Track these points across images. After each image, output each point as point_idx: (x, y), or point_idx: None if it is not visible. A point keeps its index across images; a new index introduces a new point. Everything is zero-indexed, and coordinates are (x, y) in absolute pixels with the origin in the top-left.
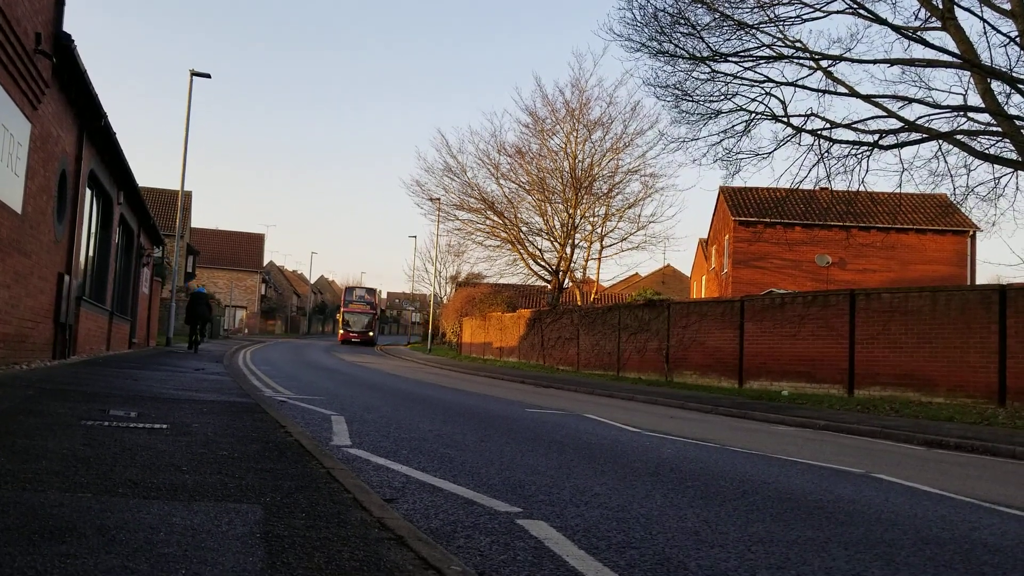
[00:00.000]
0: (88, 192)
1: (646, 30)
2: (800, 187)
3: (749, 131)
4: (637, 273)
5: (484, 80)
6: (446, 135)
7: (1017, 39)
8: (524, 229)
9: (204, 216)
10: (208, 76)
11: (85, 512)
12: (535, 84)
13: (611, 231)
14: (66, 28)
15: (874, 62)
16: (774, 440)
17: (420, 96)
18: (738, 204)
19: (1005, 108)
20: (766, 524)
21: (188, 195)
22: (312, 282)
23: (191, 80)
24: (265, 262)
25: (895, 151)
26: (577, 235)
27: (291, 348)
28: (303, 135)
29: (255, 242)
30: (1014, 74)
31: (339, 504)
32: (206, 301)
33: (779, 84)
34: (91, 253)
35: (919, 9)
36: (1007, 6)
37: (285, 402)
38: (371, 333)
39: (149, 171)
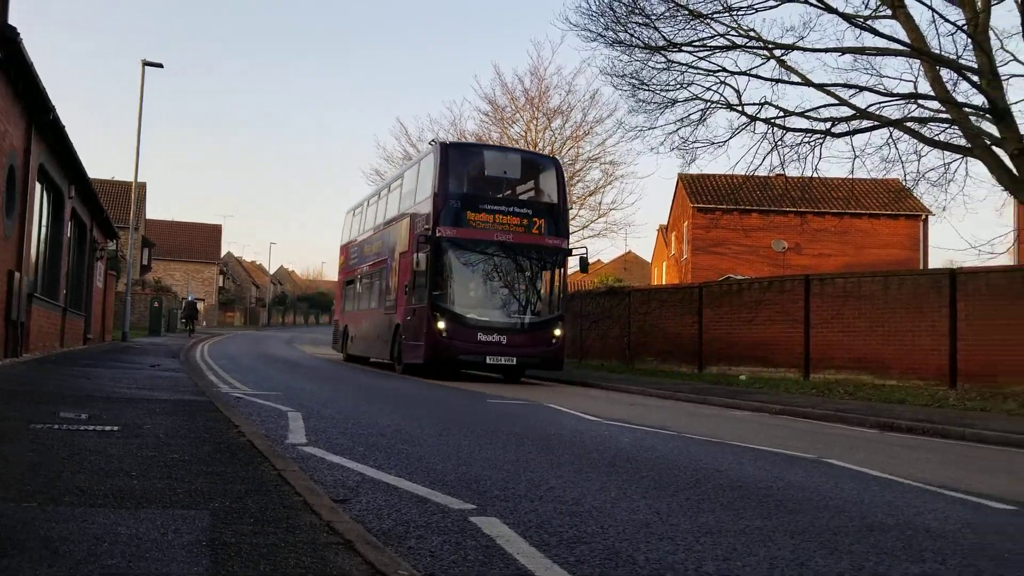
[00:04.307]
0: (38, 187)
1: (601, 20)
2: (755, 174)
3: (705, 120)
4: (599, 260)
5: (443, 69)
6: (405, 124)
7: (964, 27)
8: None
9: (159, 207)
10: (160, 66)
11: (30, 523)
12: (494, 72)
13: (573, 219)
14: (12, 21)
15: (826, 51)
16: (730, 426)
17: (378, 85)
18: (696, 191)
19: (953, 95)
20: (716, 514)
21: (142, 186)
22: (272, 273)
23: (143, 70)
24: (223, 253)
25: (847, 138)
26: None
27: (250, 340)
28: (262, 124)
29: (212, 233)
30: (961, 62)
31: (289, 508)
32: (195, 305)
33: (733, 73)
34: (42, 249)
35: None
36: None
37: (241, 398)
38: (553, 338)
39: (102, 163)
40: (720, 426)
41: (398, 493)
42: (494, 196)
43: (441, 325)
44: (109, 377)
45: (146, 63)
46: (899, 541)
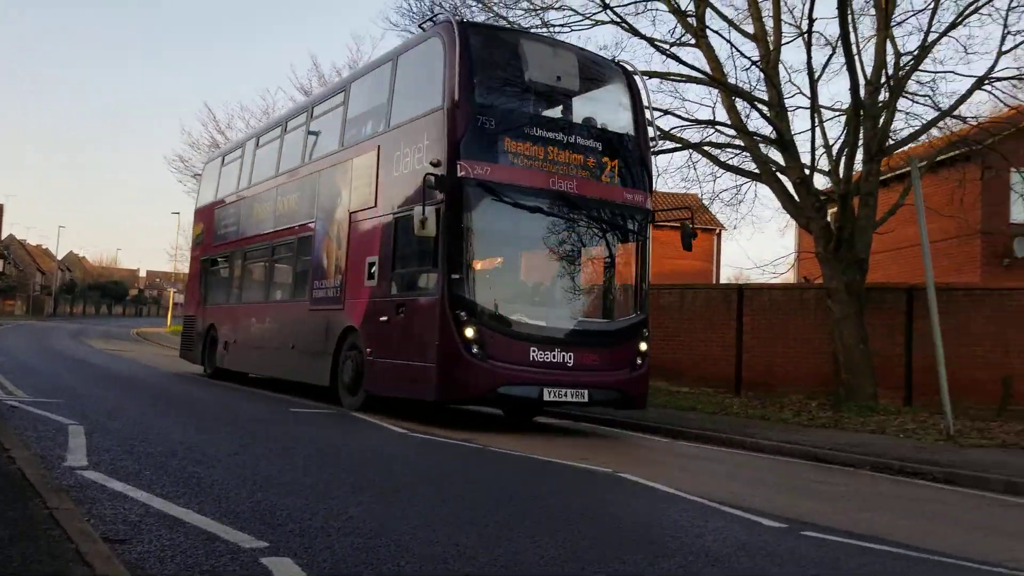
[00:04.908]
0: None
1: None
2: None
3: None
4: None
5: (257, 56)
6: (214, 109)
7: (758, 62)
8: None
9: None
10: None
11: None
12: (312, 63)
13: None
14: None
15: (635, 73)
16: (535, 436)
17: (184, 70)
18: None
19: (746, 124)
20: (514, 543)
21: None
22: (60, 258)
23: None
24: (4, 235)
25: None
26: None
27: (33, 333)
28: (49, 101)
29: None
30: (755, 94)
31: (59, 559)
32: None
33: None
34: None
35: (676, 26)
36: (751, 30)
37: (16, 407)
38: (639, 356)
39: None
40: (524, 437)
41: (184, 529)
42: (541, 115)
43: (470, 333)
44: None
45: None
46: (681, 569)
